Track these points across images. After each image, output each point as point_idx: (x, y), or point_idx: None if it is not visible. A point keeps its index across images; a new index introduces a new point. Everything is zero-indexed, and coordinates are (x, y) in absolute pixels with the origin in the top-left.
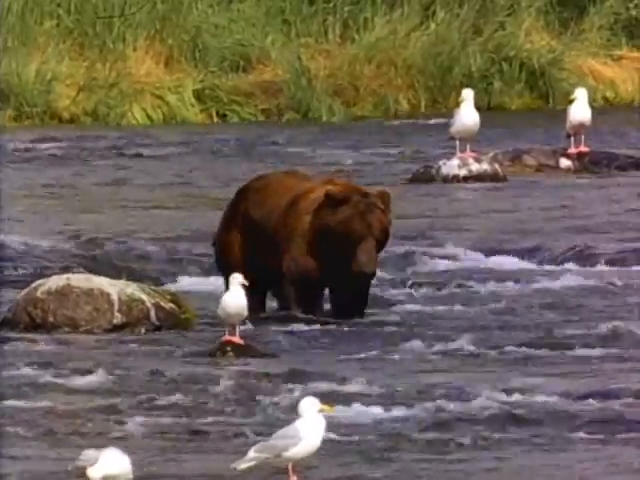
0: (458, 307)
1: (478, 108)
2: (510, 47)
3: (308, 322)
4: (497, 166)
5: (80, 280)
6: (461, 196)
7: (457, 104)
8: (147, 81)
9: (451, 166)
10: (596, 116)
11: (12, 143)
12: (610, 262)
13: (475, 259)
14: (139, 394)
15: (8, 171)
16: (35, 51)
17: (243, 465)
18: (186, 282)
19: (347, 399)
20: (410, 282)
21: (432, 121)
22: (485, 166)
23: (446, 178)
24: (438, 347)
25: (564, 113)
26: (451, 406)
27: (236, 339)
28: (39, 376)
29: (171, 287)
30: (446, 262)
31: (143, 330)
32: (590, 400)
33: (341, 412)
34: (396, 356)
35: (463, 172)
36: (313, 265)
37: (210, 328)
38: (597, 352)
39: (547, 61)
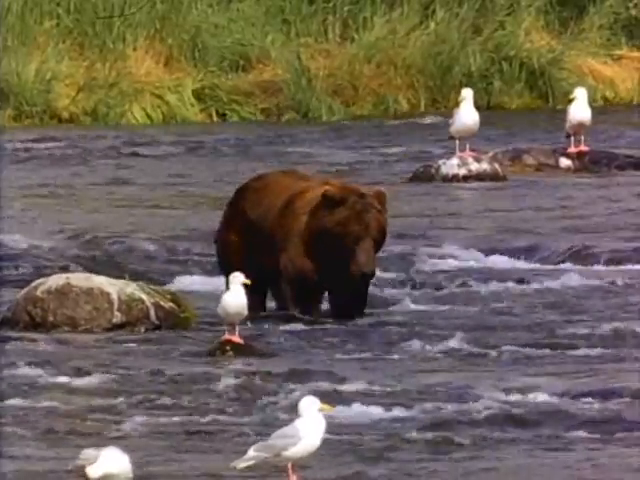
0: (458, 307)
1: (478, 108)
2: (510, 47)
3: (308, 322)
4: (497, 165)
5: (80, 279)
6: (461, 196)
7: (457, 104)
8: (147, 81)
9: (451, 165)
10: (596, 116)
11: (12, 143)
12: (610, 262)
13: (475, 259)
14: (139, 393)
15: (8, 171)
16: (35, 51)
17: (243, 464)
18: (186, 281)
19: (347, 399)
20: (410, 282)
21: (432, 120)
22: (485, 165)
23: (446, 178)
24: (438, 347)
25: (564, 113)
26: (451, 406)
27: (236, 338)
28: (39, 375)
29: (171, 286)
30: (446, 262)
31: (143, 329)
32: (590, 400)
33: (341, 412)
34: (396, 356)
35: (463, 171)
36: (310, 265)
37: (210, 327)
38: (597, 352)
39: (547, 61)
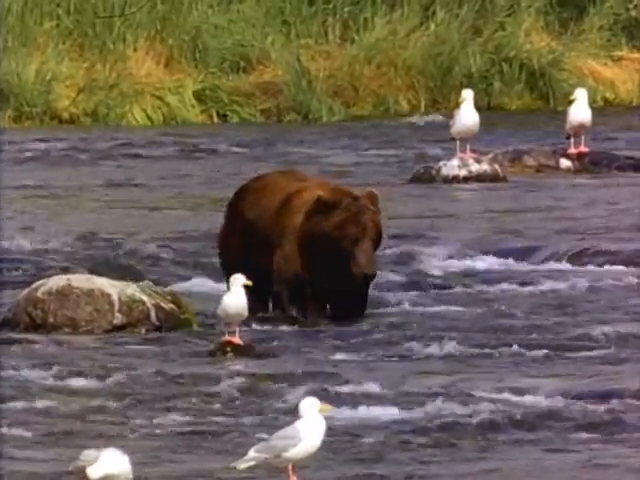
0: (458, 308)
1: (478, 108)
2: (510, 47)
3: (308, 324)
4: (497, 167)
5: (81, 280)
6: (461, 197)
7: (457, 105)
8: (147, 82)
9: (451, 166)
10: (596, 117)
11: (12, 144)
12: (610, 262)
13: (475, 259)
14: (139, 395)
15: (8, 171)
16: (35, 51)
17: (243, 465)
18: (186, 282)
19: (347, 400)
20: (410, 283)
21: (432, 121)
22: (485, 166)
23: (446, 179)
24: (438, 348)
25: (564, 114)
26: (451, 407)
27: (236, 339)
28: (39, 377)
29: (171, 287)
30: (447, 263)
31: (143, 331)
32: (591, 401)
33: (341, 412)
34: (396, 357)
35: (463, 173)
36: (304, 264)
37: (210, 328)
38: (597, 352)
39: (547, 62)
